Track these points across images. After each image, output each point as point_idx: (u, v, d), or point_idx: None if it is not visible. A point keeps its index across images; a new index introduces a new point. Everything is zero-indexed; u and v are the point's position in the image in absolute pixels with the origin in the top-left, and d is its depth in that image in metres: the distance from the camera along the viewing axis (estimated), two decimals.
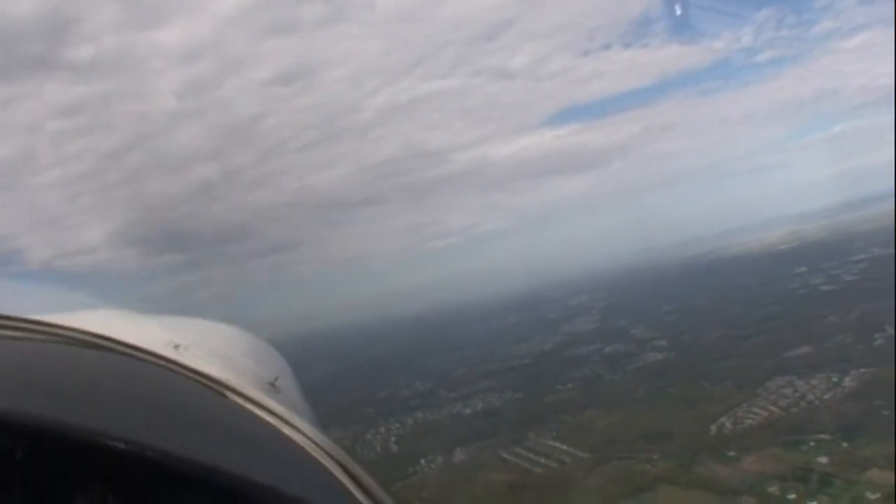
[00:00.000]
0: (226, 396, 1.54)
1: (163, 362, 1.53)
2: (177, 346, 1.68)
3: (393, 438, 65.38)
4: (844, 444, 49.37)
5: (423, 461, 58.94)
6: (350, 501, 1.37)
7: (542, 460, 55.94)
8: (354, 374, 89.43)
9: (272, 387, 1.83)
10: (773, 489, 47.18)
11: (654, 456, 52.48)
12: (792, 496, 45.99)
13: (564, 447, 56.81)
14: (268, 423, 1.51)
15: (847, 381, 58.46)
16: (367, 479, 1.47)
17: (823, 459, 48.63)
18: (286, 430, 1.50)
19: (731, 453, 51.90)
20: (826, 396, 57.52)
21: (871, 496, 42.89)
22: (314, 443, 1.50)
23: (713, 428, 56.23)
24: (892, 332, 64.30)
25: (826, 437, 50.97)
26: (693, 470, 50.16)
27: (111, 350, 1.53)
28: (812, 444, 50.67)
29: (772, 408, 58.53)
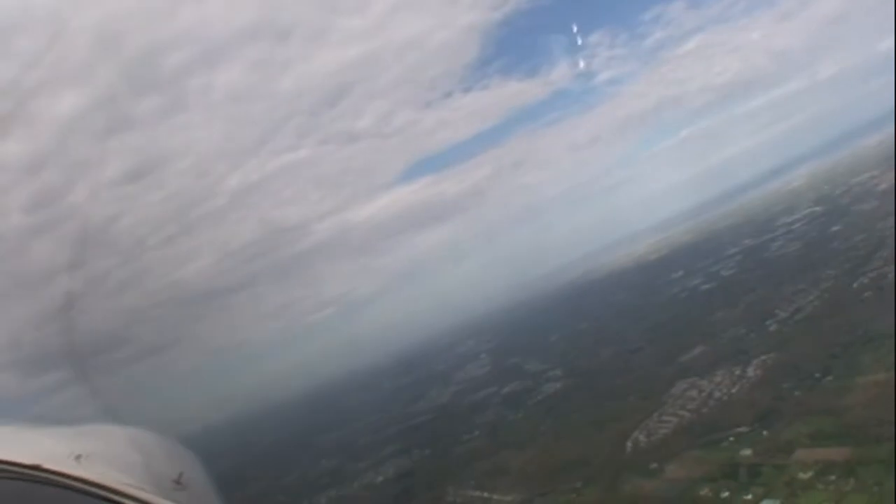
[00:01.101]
0: None
1: (62, 479, 1.61)
2: (78, 457, 1.73)
3: None
4: (764, 433, 50.11)
5: None
6: None
7: None
8: (257, 464, 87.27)
9: (177, 484, 1.93)
10: (705, 492, 46.80)
11: (576, 485, 51.78)
12: (725, 494, 46.29)
13: (486, 495, 56.06)
14: None
15: (751, 371, 60.23)
16: None
17: (747, 451, 49.13)
18: None
19: (653, 465, 51.57)
20: (733, 390, 58.97)
21: (803, 476, 44.12)
22: None
23: (628, 445, 55.80)
24: (785, 315, 68.73)
25: (744, 429, 51.51)
26: (619, 490, 49.60)
27: (6, 475, 1.60)
28: (731, 439, 50.79)
29: (682, 412, 59.30)
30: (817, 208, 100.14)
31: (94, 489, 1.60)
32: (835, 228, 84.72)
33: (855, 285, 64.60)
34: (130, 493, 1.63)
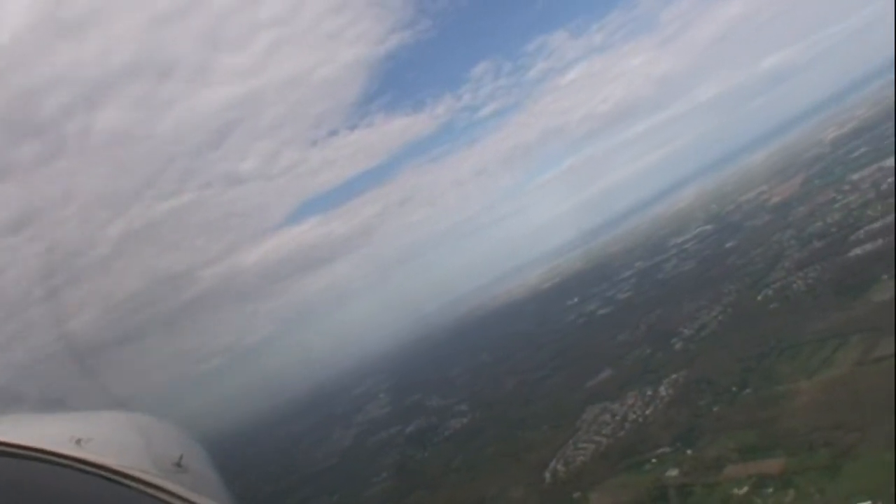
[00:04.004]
0: (126, 486, 1.70)
1: (63, 461, 1.71)
2: (79, 441, 1.85)
3: None
4: (688, 451, 49.68)
5: None
6: None
7: None
8: None
9: (178, 466, 1.99)
10: None
11: None
12: None
13: None
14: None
15: (663, 391, 60.11)
16: None
17: (673, 472, 48.33)
18: None
19: (576, 495, 50.31)
20: (647, 411, 58.58)
21: (738, 492, 43.60)
22: None
23: (547, 475, 54.46)
24: (690, 332, 69.50)
25: (666, 449, 50.92)
26: None
27: (9, 455, 1.71)
28: (654, 461, 50.06)
29: (597, 438, 58.36)
30: (708, 227, 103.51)
31: (94, 469, 1.64)
32: (729, 245, 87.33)
33: (759, 297, 65.94)
34: (131, 473, 1.67)
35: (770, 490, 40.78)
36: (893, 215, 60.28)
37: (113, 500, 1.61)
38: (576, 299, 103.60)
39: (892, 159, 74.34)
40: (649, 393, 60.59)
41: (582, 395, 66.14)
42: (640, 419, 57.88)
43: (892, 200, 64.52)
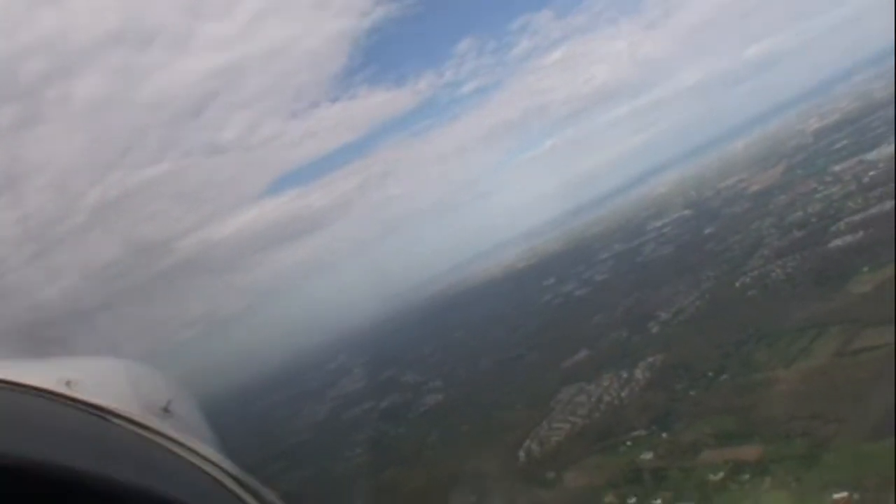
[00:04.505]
0: (116, 424, 1.77)
1: (52, 396, 1.77)
2: (68, 383, 1.85)
3: None
4: (664, 435, 50.26)
5: None
6: (231, 501, 1.67)
7: None
8: None
9: (165, 412, 2.06)
10: (610, 499, 46.31)
11: (471, 499, 49.81)
12: (632, 500, 45.74)
13: None
14: (153, 441, 1.75)
15: (639, 374, 60.31)
16: (264, 491, 1.78)
17: (648, 455, 48.60)
18: (174, 447, 1.75)
19: (550, 475, 50.78)
20: (623, 393, 58.90)
21: (714, 477, 44.00)
22: (206, 459, 1.76)
23: (521, 454, 54.73)
24: (667, 317, 69.86)
25: (641, 432, 51.30)
26: (517, 503, 48.79)
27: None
28: (629, 443, 50.44)
29: (572, 418, 58.65)
30: (687, 212, 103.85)
31: (83, 408, 1.70)
32: (708, 231, 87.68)
33: (737, 284, 66.28)
34: (120, 412, 1.74)
35: (746, 477, 41.23)
36: (876, 208, 60.92)
37: (102, 437, 1.63)
38: (552, 279, 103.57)
39: (875, 153, 75.18)
40: (625, 375, 60.85)
41: (557, 376, 66.22)
42: (616, 401, 58.25)
43: (874, 193, 65.24)
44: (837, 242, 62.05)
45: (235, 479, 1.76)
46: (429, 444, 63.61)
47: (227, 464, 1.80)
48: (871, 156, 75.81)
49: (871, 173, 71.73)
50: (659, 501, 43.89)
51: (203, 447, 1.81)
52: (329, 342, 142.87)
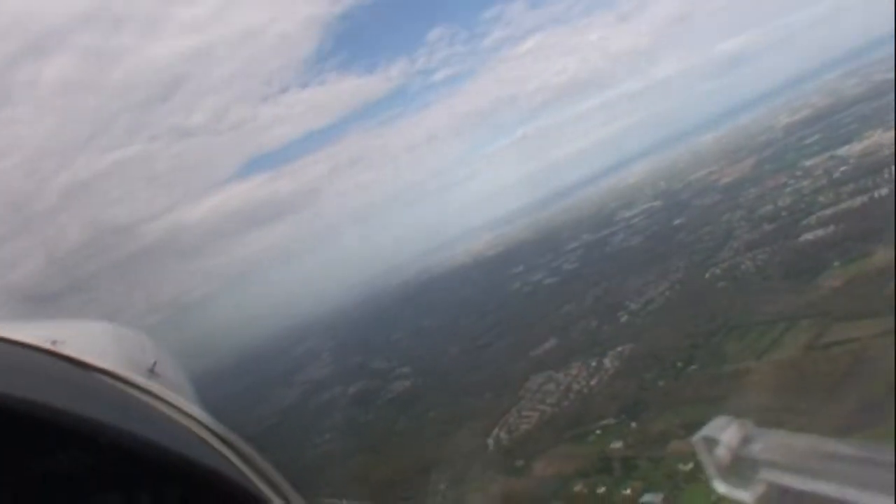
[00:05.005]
0: (96, 377, 1.80)
1: (37, 352, 1.79)
2: (54, 342, 1.87)
3: None
4: (633, 424, 50.43)
5: None
6: (217, 457, 1.69)
7: None
8: None
9: (151, 373, 2.08)
10: (579, 488, 46.27)
11: (440, 486, 49.82)
12: (601, 490, 45.81)
13: (345, 502, 53.23)
14: (137, 396, 1.77)
15: (608, 363, 60.42)
16: (244, 447, 1.81)
17: (618, 444, 48.74)
18: (159, 404, 1.77)
19: (519, 463, 50.67)
20: (592, 382, 58.97)
21: (684, 468, 44.16)
22: (191, 417, 1.77)
23: (490, 442, 54.74)
24: (637, 307, 70.13)
25: (611, 421, 51.45)
26: (487, 490, 48.05)
27: None
28: (598, 432, 50.63)
29: (541, 407, 58.69)
30: (657, 203, 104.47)
31: (68, 364, 1.73)
32: (677, 222, 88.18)
33: (707, 275, 66.69)
34: (105, 369, 1.76)
35: None
36: (847, 203, 61.61)
37: (86, 386, 1.67)
38: (521, 268, 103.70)
39: (846, 148, 76.15)
40: (594, 364, 60.99)
41: (526, 364, 66.30)
42: (585, 390, 58.38)
43: (845, 189, 65.96)
44: (808, 236, 62.57)
45: (222, 437, 1.75)
46: (397, 430, 63.57)
47: (213, 423, 1.79)
48: (843, 151, 76.64)
49: (843, 168, 72.54)
50: (628, 491, 43.83)
51: (189, 406, 1.81)
52: (297, 327, 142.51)
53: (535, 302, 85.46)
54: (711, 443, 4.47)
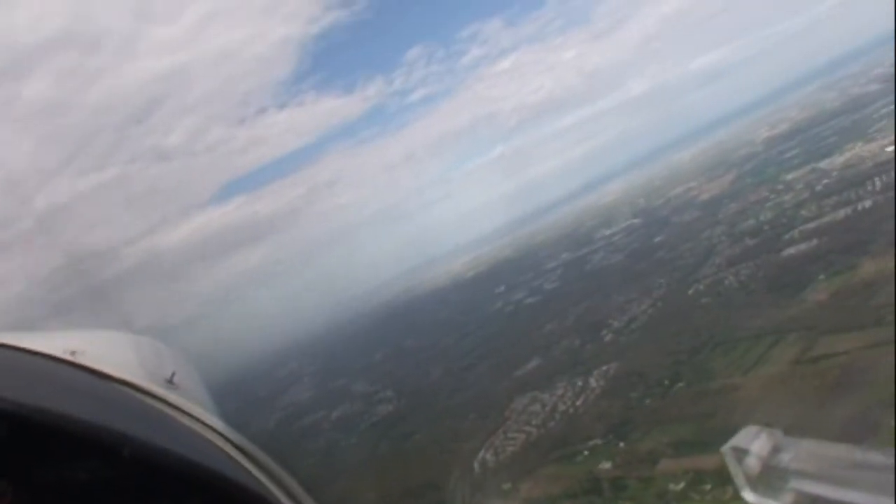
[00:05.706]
0: (116, 387, 1.80)
1: (56, 362, 1.79)
2: (73, 353, 1.88)
3: None
4: (621, 444, 50.23)
5: None
6: (236, 468, 1.69)
7: None
8: None
9: (169, 383, 2.06)
10: None
11: None
12: None
13: None
14: (156, 406, 1.78)
15: (593, 382, 60.28)
16: (265, 458, 1.79)
17: (606, 465, 48.55)
18: (178, 415, 1.78)
19: (506, 485, 50.15)
20: (578, 402, 58.75)
21: (675, 487, 43.94)
22: (210, 428, 1.79)
23: (476, 465, 54.15)
24: (620, 325, 70.08)
25: (598, 441, 51.19)
26: None
27: (9, 348, 1.79)
28: (586, 452, 50.16)
29: (527, 428, 58.24)
30: (636, 220, 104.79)
31: (88, 374, 1.73)
32: (658, 239, 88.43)
33: (690, 292, 66.71)
34: (124, 379, 1.77)
35: (708, 486, 41.02)
36: (830, 216, 62.04)
37: (105, 397, 1.68)
38: (502, 287, 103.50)
39: (827, 161, 76.88)
40: (579, 384, 60.71)
41: (510, 385, 65.93)
42: (571, 410, 58.04)
43: (828, 202, 66.52)
44: (791, 251, 62.87)
45: (242, 448, 1.75)
46: (380, 454, 62.95)
47: (232, 434, 1.79)
48: (824, 164, 77.34)
49: (825, 181, 73.10)
50: None
51: (208, 416, 1.81)
52: (278, 350, 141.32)
53: (518, 321, 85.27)
54: (741, 453, 4.37)
